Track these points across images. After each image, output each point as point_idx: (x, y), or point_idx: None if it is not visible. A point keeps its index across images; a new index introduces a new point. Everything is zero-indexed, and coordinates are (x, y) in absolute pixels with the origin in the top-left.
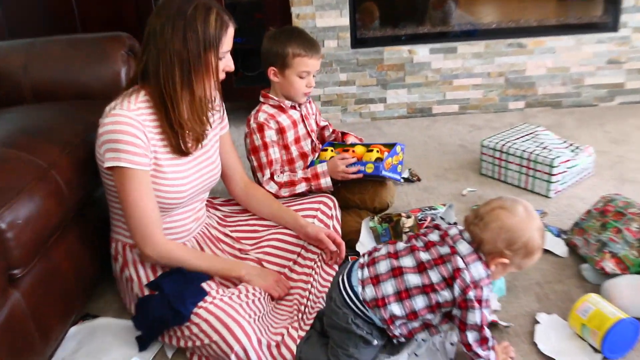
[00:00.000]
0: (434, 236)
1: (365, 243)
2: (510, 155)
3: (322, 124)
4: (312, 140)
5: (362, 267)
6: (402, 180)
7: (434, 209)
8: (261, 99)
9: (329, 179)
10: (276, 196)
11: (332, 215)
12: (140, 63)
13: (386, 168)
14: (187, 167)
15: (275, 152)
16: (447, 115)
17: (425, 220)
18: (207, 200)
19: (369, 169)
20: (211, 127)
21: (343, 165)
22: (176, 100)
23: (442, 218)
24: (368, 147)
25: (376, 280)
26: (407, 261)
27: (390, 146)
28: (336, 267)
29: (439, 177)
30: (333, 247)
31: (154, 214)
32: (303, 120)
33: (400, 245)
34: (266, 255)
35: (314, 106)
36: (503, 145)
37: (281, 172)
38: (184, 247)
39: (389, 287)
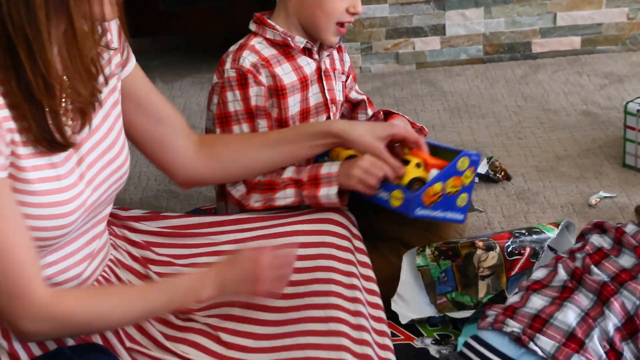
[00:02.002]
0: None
1: (408, 297)
2: None
3: (355, 97)
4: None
5: None
6: (464, 221)
7: (538, 233)
8: (252, 27)
9: (334, 190)
10: (241, 205)
11: (348, 247)
12: None
13: (426, 203)
14: (68, 169)
15: (263, 130)
16: (560, 57)
17: (522, 253)
18: (111, 215)
19: (395, 200)
20: (106, 82)
21: (369, 164)
22: (39, 40)
23: (551, 249)
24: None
25: None
26: None
27: (451, 155)
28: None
29: (545, 173)
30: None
31: (26, 251)
32: (320, 79)
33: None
34: (224, 321)
35: (347, 58)
36: None
37: None
38: (90, 290)
39: None
